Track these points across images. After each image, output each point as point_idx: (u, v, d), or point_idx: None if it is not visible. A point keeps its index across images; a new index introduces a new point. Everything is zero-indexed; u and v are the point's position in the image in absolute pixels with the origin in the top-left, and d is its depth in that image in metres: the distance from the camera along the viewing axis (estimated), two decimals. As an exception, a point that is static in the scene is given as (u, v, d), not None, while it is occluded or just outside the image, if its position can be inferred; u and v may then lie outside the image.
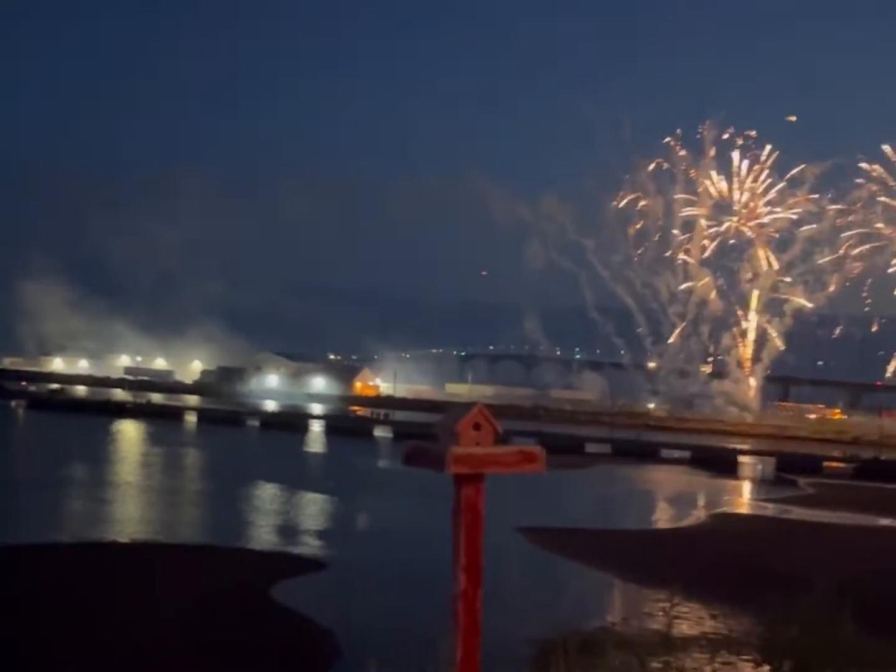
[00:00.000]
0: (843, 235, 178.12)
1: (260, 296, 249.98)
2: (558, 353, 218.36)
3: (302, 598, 31.92)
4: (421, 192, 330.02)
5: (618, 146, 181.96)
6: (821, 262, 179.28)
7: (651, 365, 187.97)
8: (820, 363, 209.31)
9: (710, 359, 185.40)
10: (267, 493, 58.59)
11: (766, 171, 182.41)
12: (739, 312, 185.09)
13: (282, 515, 51.15)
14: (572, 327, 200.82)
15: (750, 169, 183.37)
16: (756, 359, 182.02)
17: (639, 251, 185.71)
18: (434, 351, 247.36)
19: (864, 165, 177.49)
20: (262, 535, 44.59)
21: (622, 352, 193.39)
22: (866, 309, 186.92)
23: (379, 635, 22.54)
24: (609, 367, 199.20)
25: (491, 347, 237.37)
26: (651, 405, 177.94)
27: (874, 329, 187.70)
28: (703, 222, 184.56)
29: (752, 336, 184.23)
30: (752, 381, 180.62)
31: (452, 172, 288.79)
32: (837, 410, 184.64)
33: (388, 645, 17.34)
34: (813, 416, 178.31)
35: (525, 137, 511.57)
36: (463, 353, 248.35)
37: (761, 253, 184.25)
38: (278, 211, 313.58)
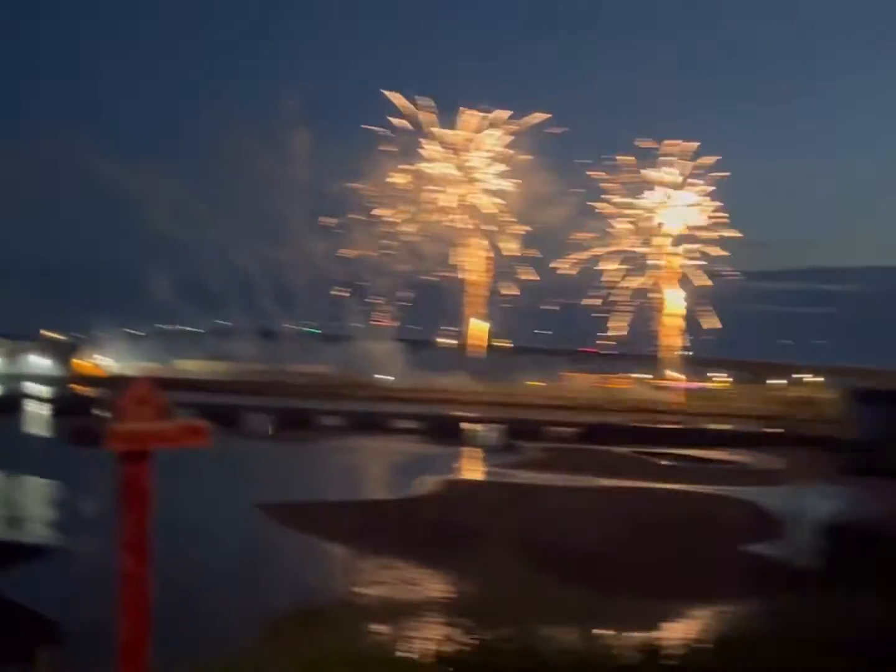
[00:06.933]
0: None
1: None
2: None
3: (23, 588, 30.45)
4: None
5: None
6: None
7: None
8: (544, 332, 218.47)
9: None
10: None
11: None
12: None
13: (-2, 503, 48.40)
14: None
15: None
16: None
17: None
18: (164, 327, 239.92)
19: None
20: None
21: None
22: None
23: (105, 623, 21.80)
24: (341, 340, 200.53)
25: (229, 323, 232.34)
26: (382, 376, 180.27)
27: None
28: None
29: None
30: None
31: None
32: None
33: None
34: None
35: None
36: (201, 330, 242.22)
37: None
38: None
